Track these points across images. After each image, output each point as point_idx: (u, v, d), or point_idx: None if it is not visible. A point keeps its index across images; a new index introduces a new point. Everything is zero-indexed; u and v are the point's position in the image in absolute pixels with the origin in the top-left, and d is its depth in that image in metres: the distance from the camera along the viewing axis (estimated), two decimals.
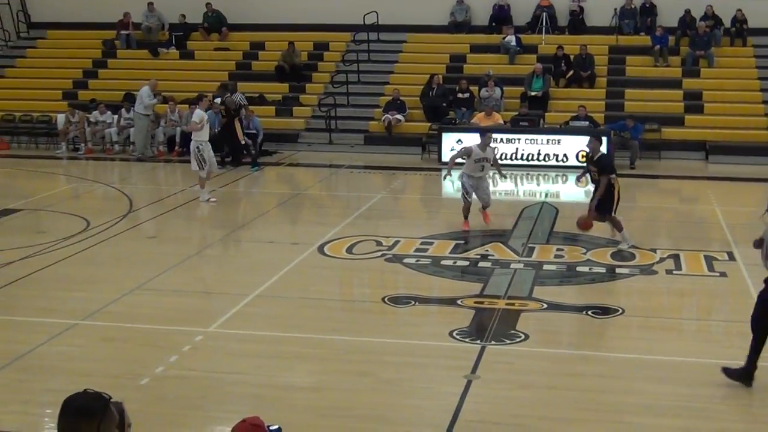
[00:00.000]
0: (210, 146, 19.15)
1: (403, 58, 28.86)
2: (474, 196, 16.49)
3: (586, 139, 23.23)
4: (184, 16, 30.04)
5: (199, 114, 19.21)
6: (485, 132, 16.89)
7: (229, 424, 8.57)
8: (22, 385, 9.95)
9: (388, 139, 25.74)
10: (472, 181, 16.37)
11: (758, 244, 9.74)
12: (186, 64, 29.37)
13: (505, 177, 17.00)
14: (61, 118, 25.72)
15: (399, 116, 25.88)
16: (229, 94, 23.43)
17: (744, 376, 9.61)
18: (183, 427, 9.10)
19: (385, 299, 12.77)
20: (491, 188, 17.44)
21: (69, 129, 25.43)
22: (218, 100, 23.03)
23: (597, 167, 15.39)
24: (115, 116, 25.58)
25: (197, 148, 18.90)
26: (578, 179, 16.44)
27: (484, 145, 16.37)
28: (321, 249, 15.31)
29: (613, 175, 15.30)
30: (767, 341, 9.55)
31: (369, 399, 9.63)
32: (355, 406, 9.44)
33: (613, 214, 15.28)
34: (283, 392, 9.78)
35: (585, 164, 16.36)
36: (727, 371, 9.69)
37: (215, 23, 30.23)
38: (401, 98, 26.17)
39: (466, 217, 16.56)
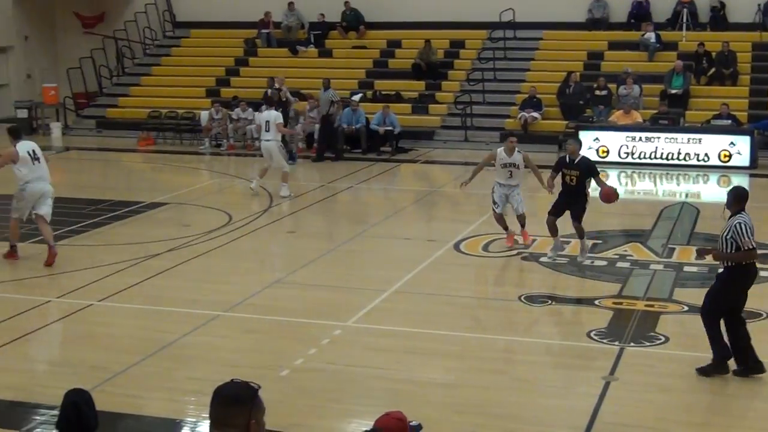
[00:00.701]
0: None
1: (539, 56, 28.67)
2: (506, 206, 15.26)
3: (729, 138, 22.92)
4: (323, 15, 30.49)
5: (275, 115, 19.75)
6: (508, 136, 15.66)
7: (366, 417, 8.79)
8: (168, 372, 10.31)
9: (524, 136, 25.55)
10: (502, 189, 15.08)
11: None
12: (324, 62, 29.78)
13: (545, 186, 14.79)
14: (204, 115, 26.44)
15: (535, 114, 25.73)
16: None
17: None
18: (321, 419, 9.29)
19: (522, 298, 12.76)
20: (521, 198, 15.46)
21: (212, 125, 26.12)
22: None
23: (578, 170, 14.16)
24: (256, 113, 26.11)
25: (279, 145, 19.47)
26: (550, 187, 14.72)
27: (509, 149, 14.98)
28: (457, 246, 15.38)
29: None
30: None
31: (505, 397, 9.66)
32: (490, 404, 9.48)
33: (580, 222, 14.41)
34: (419, 388, 9.89)
35: (556, 167, 14.57)
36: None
37: (353, 22, 30.58)
38: (538, 96, 26.01)
39: (505, 229, 15.26)
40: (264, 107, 20.72)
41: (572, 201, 14.32)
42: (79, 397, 6.14)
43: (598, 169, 14.72)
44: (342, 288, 13.68)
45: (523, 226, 15.29)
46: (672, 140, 23.25)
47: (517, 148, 15.02)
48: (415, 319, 12.03)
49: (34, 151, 14.58)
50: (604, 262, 14.55)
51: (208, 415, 3.90)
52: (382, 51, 29.86)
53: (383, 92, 27.54)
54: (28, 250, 15.39)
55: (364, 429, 5.56)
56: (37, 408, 9.24)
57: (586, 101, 25.83)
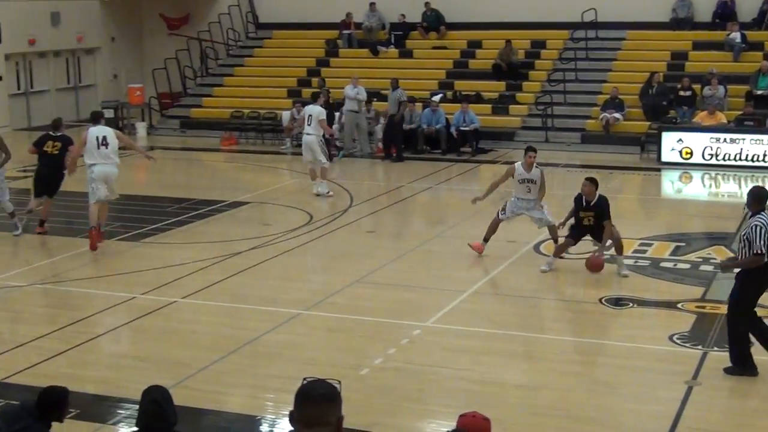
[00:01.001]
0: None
1: (622, 56, 28.35)
2: (513, 216, 14.87)
3: None
4: (403, 15, 30.54)
5: (319, 111, 19.79)
6: (528, 150, 14.85)
7: (445, 418, 8.82)
8: (249, 369, 10.45)
9: (605, 138, 25.36)
10: (520, 203, 14.67)
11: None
12: (405, 63, 29.82)
13: (542, 207, 14.56)
14: (285, 115, 26.66)
15: (617, 115, 25.45)
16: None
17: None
18: (400, 419, 9.33)
19: (602, 300, 12.66)
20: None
21: (293, 125, 26.31)
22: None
23: (595, 211, 13.67)
24: (337, 114, 26.29)
25: (320, 141, 19.45)
26: (562, 225, 14.31)
27: (528, 164, 14.53)
28: (537, 248, 15.30)
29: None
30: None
31: (584, 400, 9.60)
32: (570, 407, 9.43)
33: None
34: (497, 389, 9.88)
35: (573, 211, 14.03)
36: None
37: (434, 22, 30.58)
38: (620, 96, 25.73)
39: (486, 240, 14.77)
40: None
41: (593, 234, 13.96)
42: (158, 393, 6.28)
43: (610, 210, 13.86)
44: (421, 288, 13.71)
45: (556, 240, 14.66)
46: (757, 142, 22.80)
47: (535, 164, 14.66)
48: (495, 320, 12.01)
49: (105, 137, 15.55)
50: (687, 265, 14.35)
51: (289, 415, 3.90)
52: (463, 51, 29.80)
53: (463, 93, 27.48)
54: (114, 247, 15.73)
55: (446, 429, 5.58)
56: (121, 402, 9.44)
57: (670, 102, 25.47)
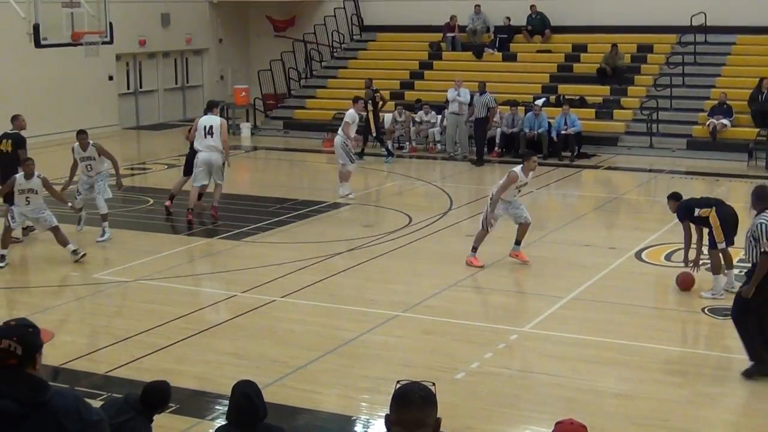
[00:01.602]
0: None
1: (731, 61, 27.72)
2: (499, 222, 14.63)
3: None
4: (508, 18, 30.37)
5: (350, 114, 19.98)
6: (528, 156, 14.71)
7: (540, 424, 8.76)
8: (345, 370, 10.52)
9: (712, 144, 24.84)
10: (503, 204, 14.41)
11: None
12: (508, 66, 29.67)
13: (521, 204, 14.51)
14: (388, 118, 26.75)
15: (725, 121, 24.90)
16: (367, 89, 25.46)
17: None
18: (496, 424, 9.29)
19: (705, 310, 12.40)
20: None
21: (395, 128, 26.42)
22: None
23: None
24: (439, 116, 26.30)
25: (344, 143, 19.48)
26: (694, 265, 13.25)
27: (528, 169, 14.31)
28: (638, 255, 15.07)
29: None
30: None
31: (685, 411, 9.42)
32: (669, 417, 9.27)
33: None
34: (596, 397, 9.76)
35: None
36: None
37: (539, 25, 30.34)
38: (728, 102, 25.18)
39: (474, 249, 14.51)
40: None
41: None
42: (249, 388, 6.41)
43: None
44: (519, 293, 13.62)
45: (519, 243, 14.57)
46: None
47: (534, 169, 14.64)
48: (594, 327, 11.87)
49: (211, 126, 16.92)
50: None
51: (385, 418, 3.91)
52: (567, 55, 29.51)
53: (567, 97, 27.22)
54: (216, 245, 16.00)
55: None
56: (219, 398, 9.58)
57: None
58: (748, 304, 10.03)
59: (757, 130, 24.48)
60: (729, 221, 13.02)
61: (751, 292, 9.94)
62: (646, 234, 16.38)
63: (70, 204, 15.70)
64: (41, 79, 27.28)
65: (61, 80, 27.95)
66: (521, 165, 14.47)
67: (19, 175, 14.46)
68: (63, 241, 14.71)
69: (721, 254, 12.95)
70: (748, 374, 10.06)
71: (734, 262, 13.18)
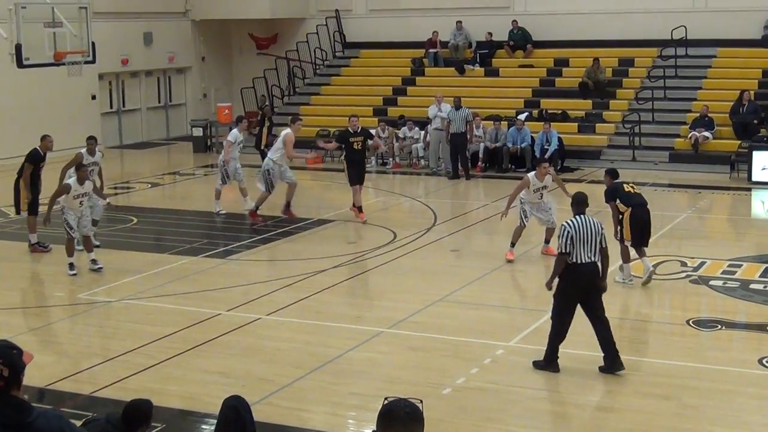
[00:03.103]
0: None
1: (712, 74, 27.90)
2: (532, 219, 16.00)
3: None
4: (490, 34, 30.51)
5: (233, 134, 20.28)
6: (541, 162, 16.26)
7: None
8: (331, 387, 10.51)
9: (694, 156, 24.98)
10: (532, 207, 15.87)
11: None
12: (491, 81, 29.79)
13: (550, 208, 15.85)
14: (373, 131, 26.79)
15: (707, 133, 25.05)
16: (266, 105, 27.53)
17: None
18: None
19: (690, 322, 12.46)
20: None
21: (378, 144, 26.43)
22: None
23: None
24: (422, 132, 26.36)
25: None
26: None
27: (541, 175, 15.64)
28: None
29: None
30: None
31: (671, 423, 9.44)
32: (654, 430, 9.28)
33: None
34: (581, 411, 9.79)
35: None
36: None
37: (520, 41, 30.47)
38: (710, 115, 25.33)
39: (513, 244, 15.89)
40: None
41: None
42: (238, 401, 6.41)
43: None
44: (504, 308, 13.64)
45: (548, 241, 15.87)
46: None
47: (547, 173, 15.73)
48: (579, 341, 11.85)
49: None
50: None
51: None
52: (549, 70, 29.65)
53: (549, 111, 27.33)
54: (200, 263, 15.97)
55: None
56: (205, 417, 9.56)
57: (761, 120, 24.99)
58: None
59: (739, 142, 24.63)
60: (638, 225, 14.06)
61: (551, 284, 10.98)
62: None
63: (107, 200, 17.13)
64: (24, 99, 27.23)
65: (44, 100, 27.89)
66: (535, 171, 15.85)
67: (72, 180, 15.11)
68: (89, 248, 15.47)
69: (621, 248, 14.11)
70: (537, 365, 10.72)
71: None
